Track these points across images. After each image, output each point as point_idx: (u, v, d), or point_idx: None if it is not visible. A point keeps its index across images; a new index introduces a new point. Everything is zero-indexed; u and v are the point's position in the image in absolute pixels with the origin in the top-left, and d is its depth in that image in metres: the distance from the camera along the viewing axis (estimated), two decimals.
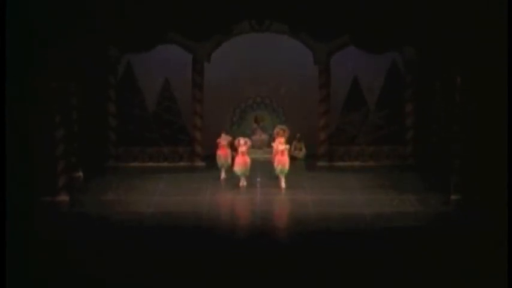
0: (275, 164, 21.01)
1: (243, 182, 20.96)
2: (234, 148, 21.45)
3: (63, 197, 19.20)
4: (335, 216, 18.21)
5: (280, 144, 21.27)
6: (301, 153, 24.06)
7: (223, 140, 21.77)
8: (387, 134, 23.40)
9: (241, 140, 21.11)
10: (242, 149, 20.90)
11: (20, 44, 18.11)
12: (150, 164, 23.14)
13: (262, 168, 21.81)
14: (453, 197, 19.11)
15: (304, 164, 23.46)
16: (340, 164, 23.38)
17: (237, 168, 20.95)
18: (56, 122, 19.12)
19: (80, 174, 21.43)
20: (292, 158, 23.92)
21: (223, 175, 21.71)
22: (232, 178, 21.20)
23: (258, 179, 21.34)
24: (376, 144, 23.49)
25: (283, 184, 20.78)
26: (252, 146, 24.02)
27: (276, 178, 20.99)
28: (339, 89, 23.36)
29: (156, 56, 22.30)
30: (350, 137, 23.58)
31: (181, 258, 15.10)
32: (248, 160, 20.98)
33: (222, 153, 21.71)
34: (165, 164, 23.23)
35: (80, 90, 21.45)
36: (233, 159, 21.34)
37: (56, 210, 18.64)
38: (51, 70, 18.74)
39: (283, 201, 19.68)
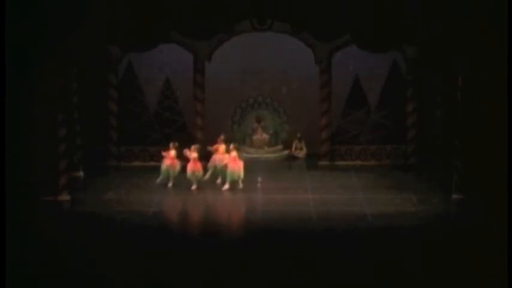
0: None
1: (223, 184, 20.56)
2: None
3: (65, 197, 19.21)
4: (336, 215, 18.20)
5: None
6: (301, 153, 24.06)
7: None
8: (388, 134, 23.39)
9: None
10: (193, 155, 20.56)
11: (21, 43, 18.12)
12: (152, 163, 23.12)
13: (263, 168, 21.76)
14: (454, 196, 19.14)
15: (305, 164, 23.46)
16: (342, 163, 23.39)
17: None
18: (58, 121, 19.12)
19: (81, 173, 21.45)
20: (293, 158, 24.00)
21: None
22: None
23: (260, 179, 21.27)
24: (377, 143, 23.49)
25: (227, 186, 20.40)
26: (253, 146, 24.11)
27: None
28: (340, 88, 23.35)
29: (157, 55, 22.37)
30: (351, 137, 23.57)
31: (183, 257, 15.09)
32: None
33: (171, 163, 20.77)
34: None
35: (81, 89, 21.47)
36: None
37: (57, 210, 18.64)
38: (52, 69, 18.74)
39: (284, 201, 19.64)
